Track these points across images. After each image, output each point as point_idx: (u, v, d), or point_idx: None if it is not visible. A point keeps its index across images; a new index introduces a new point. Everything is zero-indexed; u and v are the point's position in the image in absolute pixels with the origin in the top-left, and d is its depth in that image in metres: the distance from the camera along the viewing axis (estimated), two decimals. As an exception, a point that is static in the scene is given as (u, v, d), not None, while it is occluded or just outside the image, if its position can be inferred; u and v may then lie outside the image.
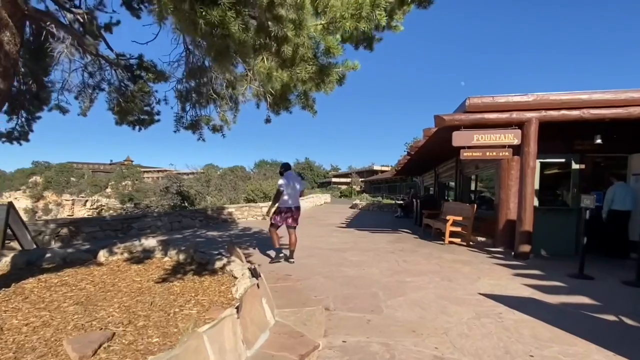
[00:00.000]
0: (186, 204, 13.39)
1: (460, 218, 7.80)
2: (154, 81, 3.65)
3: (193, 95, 3.21)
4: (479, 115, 6.19)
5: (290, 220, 5.92)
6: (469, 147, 6.39)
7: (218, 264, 4.20)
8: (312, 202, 22.63)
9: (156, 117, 3.96)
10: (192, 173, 16.44)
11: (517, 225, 6.34)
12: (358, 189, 53.12)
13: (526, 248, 6.20)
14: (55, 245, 7.28)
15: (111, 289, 3.38)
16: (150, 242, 5.14)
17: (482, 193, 9.57)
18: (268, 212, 6.23)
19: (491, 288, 4.45)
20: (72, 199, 68.76)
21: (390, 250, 7.09)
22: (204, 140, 3.65)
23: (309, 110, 3.08)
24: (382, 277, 4.93)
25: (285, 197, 5.82)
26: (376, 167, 57.90)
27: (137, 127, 4.17)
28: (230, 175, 18.54)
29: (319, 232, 9.96)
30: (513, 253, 6.40)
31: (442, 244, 7.86)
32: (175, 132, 3.48)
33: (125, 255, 4.90)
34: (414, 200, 13.01)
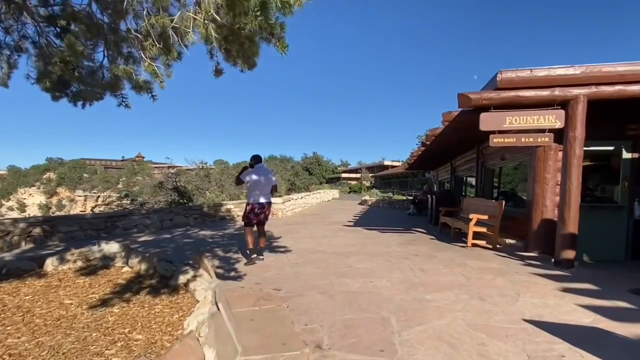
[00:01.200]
0: (184, 201, 12.57)
1: (485, 217, 6.70)
2: (89, 37, 2.70)
3: (109, 35, 2.27)
4: (512, 93, 5.08)
5: (262, 217, 5.57)
6: (500, 132, 5.30)
7: (182, 279, 3.26)
8: (318, 198, 21.66)
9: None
10: (202, 168, 15.60)
11: (559, 226, 5.23)
12: (368, 184, 52.00)
13: (570, 254, 5.10)
14: (25, 247, 6.48)
15: (18, 318, 2.46)
16: (111, 247, 4.22)
17: (507, 188, 8.43)
18: (236, 179, 5.76)
19: (538, 311, 3.40)
20: (85, 195, 69.33)
21: (404, 254, 6.05)
22: (128, 106, 2.68)
23: (275, 44, 2.11)
24: (395, 292, 3.92)
25: (257, 192, 5.44)
26: (387, 162, 56.64)
27: (79, 103, 3.23)
28: (232, 170, 17.68)
29: (322, 231, 8.98)
30: (553, 260, 5.30)
31: (464, 246, 6.79)
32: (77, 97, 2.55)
33: (79, 263, 3.99)
34: (429, 196, 11.90)
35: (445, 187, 15.06)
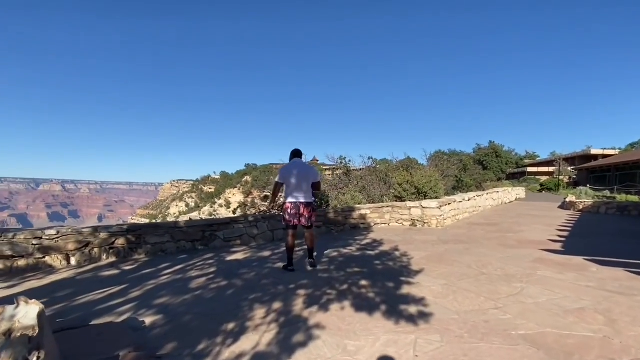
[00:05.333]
0: (319, 203, 10.64)
1: None
2: None
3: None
4: None
5: (303, 220, 4.66)
6: None
7: None
8: (495, 199, 16.45)
9: None
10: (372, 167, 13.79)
11: None
12: (567, 179, 40.21)
13: None
14: (106, 260, 5.49)
15: None
16: (24, 315, 2.11)
17: None
18: (270, 206, 5.62)
19: None
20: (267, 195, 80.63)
21: None
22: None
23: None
24: None
25: (291, 190, 4.63)
26: (594, 151, 42.72)
27: None
28: (382, 166, 14.94)
29: (502, 263, 5.14)
30: None
31: None
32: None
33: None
34: None
35: None
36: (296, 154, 4.95)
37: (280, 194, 5.40)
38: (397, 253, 5.74)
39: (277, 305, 3.39)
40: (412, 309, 3.27)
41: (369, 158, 14.58)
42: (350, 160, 13.48)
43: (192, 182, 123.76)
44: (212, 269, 4.83)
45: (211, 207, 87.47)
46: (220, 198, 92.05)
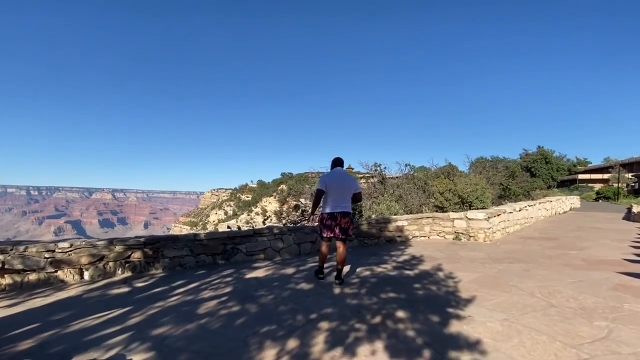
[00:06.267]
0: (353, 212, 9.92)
1: None
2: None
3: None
4: None
5: (338, 230, 4.43)
6: None
7: None
8: (548, 209, 14.87)
9: None
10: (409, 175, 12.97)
11: None
12: (625, 187, 36.52)
13: None
14: (121, 274, 5.16)
15: None
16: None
17: None
18: (309, 218, 5.20)
19: None
20: (305, 203, 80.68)
21: None
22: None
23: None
24: None
25: (329, 200, 4.44)
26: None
27: None
28: (420, 174, 13.96)
29: (572, 292, 4.17)
30: None
31: None
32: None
33: None
34: None
35: None
36: (338, 162, 4.74)
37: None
38: (440, 274, 4.92)
39: (292, 343, 2.76)
40: (462, 347, 2.51)
41: (406, 165, 13.65)
42: (385, 167, 12.65)
43: (230, 191, 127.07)
44: (228, 289, 4.30)
45: (248, 214, 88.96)
46: (256, 206, 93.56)
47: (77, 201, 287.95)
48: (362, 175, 14.33)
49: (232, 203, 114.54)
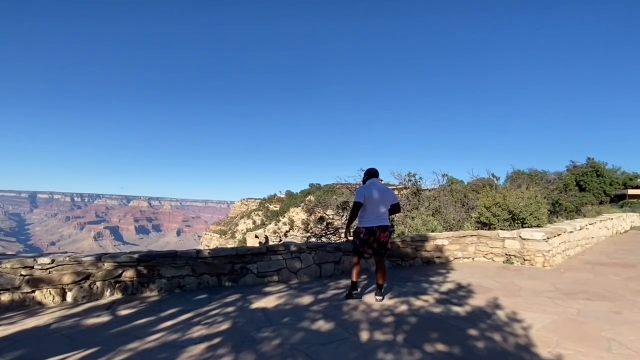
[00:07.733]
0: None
1: None
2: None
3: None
4: None
5: (376, 245, 4.21)
6: None
7: None
8: (609, 228, 13.01)
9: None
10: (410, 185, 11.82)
11: None
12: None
13: None
14: (110, 297, 4.41)
15: None
16: None
17: None
18: (345, 232, 4.54)
19: None
20: (332, 214, 79.63)
21: None
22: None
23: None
24: None
25: (366, 213, 4.23)
26: None
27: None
28: (459, 185, 12.64)
29: None
30: None
31: None
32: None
33: None
34: None
35: None
36: (373, 174, 4.56)
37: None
38: (500, 313, 3.77)
39: None
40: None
41: (443, 175, 12.38)
42: (420, 178, 11.47)
43: (259, 201, 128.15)
44: (225, 326, 3.40)
45: (275, 224, 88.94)
46: (284, 216, 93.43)
47: (116, 208, 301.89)
48: (394, 187, 13.20)
49: (260, 212, 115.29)
